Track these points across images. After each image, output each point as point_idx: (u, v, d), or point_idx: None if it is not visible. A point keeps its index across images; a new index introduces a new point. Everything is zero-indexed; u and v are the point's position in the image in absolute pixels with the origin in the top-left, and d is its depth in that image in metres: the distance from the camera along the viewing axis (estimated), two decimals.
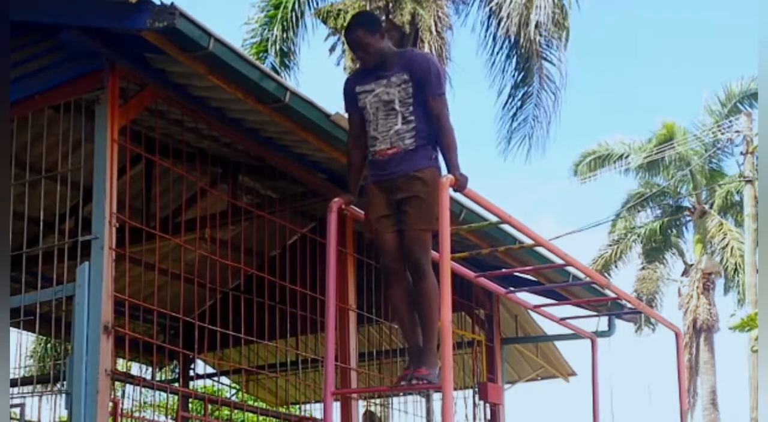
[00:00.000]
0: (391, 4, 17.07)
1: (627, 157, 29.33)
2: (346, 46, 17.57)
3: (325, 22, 17.90)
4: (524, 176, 70.40)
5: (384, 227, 5.36)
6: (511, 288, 7.53)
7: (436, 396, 9.18)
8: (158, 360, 10.52)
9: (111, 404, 6.12)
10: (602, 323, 10.18)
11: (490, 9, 17.38)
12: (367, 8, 17.15)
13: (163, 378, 11.49)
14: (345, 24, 5.63)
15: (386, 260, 5.38)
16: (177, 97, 6.38)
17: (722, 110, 27.93)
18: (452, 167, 5.23)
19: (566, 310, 9.79)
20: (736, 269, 26.96)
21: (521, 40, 16.68)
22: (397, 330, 5.70)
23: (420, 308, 5.30)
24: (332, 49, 18.45)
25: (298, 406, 10.36)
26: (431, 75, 5.32)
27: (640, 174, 29.43)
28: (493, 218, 6.29)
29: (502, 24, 16.84)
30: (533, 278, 9.36)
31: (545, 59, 17.40)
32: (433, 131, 5.33)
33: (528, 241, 6.35)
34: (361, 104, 5.45)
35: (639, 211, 30.11)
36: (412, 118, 5.30)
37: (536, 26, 16.50)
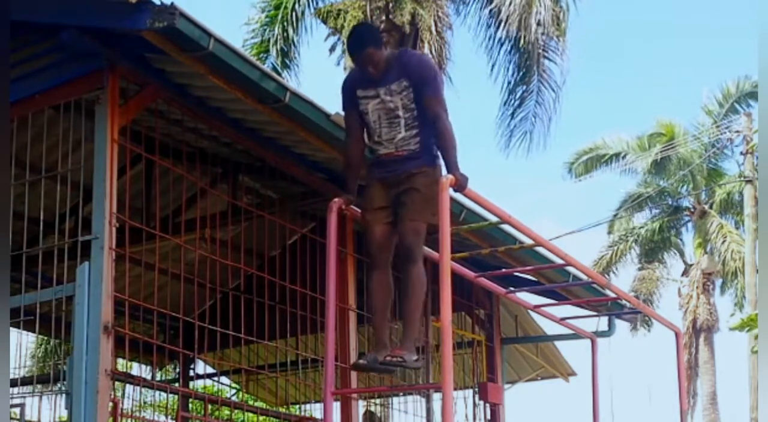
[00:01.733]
0: (391, 4, 17.07)
1: (625, 156, 29.32)
2: (346, 46, 17.59)
3: (325, 22, 17.90)
4: (523, 176, 70.35)
5: (377, 218, 5.44)
6: (511, 288, 7.53)
7: (436, 396, 9.19)
8: (158, 360, 10.52)
9: (111, 404, 6.11)
10: (602, 323, 10.19)
11: (491, 8, 17.38)
12: (367, 8, 17.19)
13: (163, 378, 11.49)
14: (347, 38, 5.68)
15: (373, 248, 5.47)
16: (177, 97, 6.38)
17: (720, 110, 27.94)
18: (452, 167, 5.25)
19: (566, 310, 9.80)
20: (734, 272, 26.96)
21: (522, 38, 16.68)
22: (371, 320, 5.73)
23: (405, 294, 5.34)
24: (332, 49, 18.46)
25: (298, 406, 10.36)
26: (427, 78, 5.36)
27: (647, 175, 29.33)
28: (493, 218, 6.29)
29: (503, 23, 16.84)
30: (533, 278, 9.36)
31: (546, 57, 17.41)
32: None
33: (528, 241, 6.35)
34: (362, 108, 5.48)
35: (638, 211, 30.11)
36: (415, 124, 5.36)
37: (538, 24, 16.50)
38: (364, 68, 5.41)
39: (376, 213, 5.45)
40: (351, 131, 5.63)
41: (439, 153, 5.43)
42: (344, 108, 5.65)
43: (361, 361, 5.47)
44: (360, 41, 5.46)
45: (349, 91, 5.55)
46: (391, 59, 5.43)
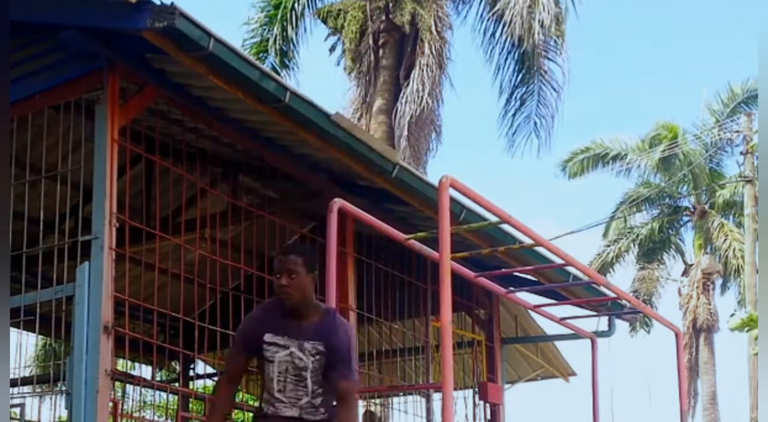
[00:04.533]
0: (391, 4, 17.09)
1: (624, 156, 29.31)
2: (345, 46, 17.62)
3: (325, 22, 17.93)
4: (520, 176, 70.37)
5: None
6: (511, 288, 7.52)
7: (436, 396, 9.19)
8: (158, 360, 10.52)
9: (111, 404, 6.11)
10: (602, 323, 10.18)
11: (494, 10, 17.40)
12: (367, 8, 17.21)
13: (163, 378, 11.49)
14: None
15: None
16: (177, 97, 6.39)
17: (724, 110, 27.94)
18: None
19: (566, 310, 9.78)
20: (737, 270, 26.97)
21: (524, 39, 16.69)
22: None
23: None
24: (332, 49, 18.49)
25: None
26: (347, 356, 4.72)
27: (650, 174, 29.33)
28: (493, 218, 6.28)
29: (506, 25, 16.85)
30: (533, 278, 9.36)
31: (546, 57, 17.42)
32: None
33: (528, 241, 6.34)
34: (267, 356, 4.73)
35: (637, 211, 30.10)
36: (320, 391, 4.71)
37: (540, 25, 16.52)
38: (276, 276, 4.64)
39: None
40: (233, 374, 4.94)
41: None
42: (239, 350, 4.89)
43: None
44: (292, 248, 4.85)
45: (254, 331, 4.76)
46: (312, 309, 4.73)
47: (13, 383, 8.99)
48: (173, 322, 9.54)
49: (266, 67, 11.94)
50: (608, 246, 29.98)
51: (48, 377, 9.04)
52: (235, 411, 8.85)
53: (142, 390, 8.67)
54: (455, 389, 5.37)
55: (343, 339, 4.72)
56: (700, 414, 28.08)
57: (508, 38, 17.10)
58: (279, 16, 17.71)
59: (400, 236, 5.86)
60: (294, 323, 4.69)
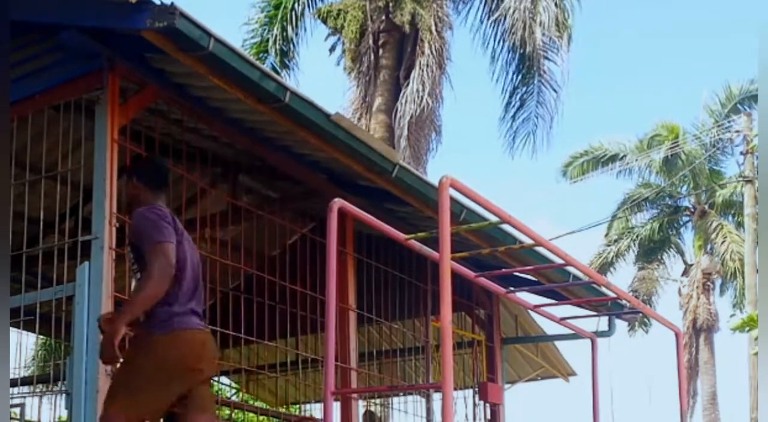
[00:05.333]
0: (391, 4, 17.09)
1: (623, 158, 29.32)
2: (345, 46, 17.65)
3: (325, 22, 17.94)
4: (519, 177, 70.35)
5: None
6: (511, 288, 7.51)
7: (436, 396, 9.20)
8: None
9: None
10: (602, 323, 10.18)
11: (491, 9, 17.42)
12: (367, 8, 17.22)
13: None
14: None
15: None
16: (177, 97, 6.39)
17: (722, 111, 27.95)
18: (120, 316, 4.53)
19: (566, 310, 9.79)
20: (734, 273, 26.97)
21: (525, 40, 16.70)
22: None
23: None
24: (332, 49, 18.49)
25: (298, 406, 10.35)
26: (140, 233, 4.67)
27: (652, 174, 29.34)
28: (493, 218, 6.28)
29: (506, 25, 16.87)
30: (533, 278, 9.36)
31: (546, 58, 17.43)
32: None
33: (528, 241, 6.33)
34: None
35: (637, 212, 30.14)
36: None
37: (541, 26, 16.54)
38: None
39: None
40: None
41: (170, 320, 4.66)
42: None
43: None
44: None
45: None
46: None
47: (13, 383, 8.98)
48: None
49: (266, 67, 11.95)
50: (608, 246, 29.99)
51: (48, 377, 9.04)
52: (235, 410, 8.83)
53: None
54: (455, 389, 5.37)
55: (133, 224, 4.70)
56: (700, 414, 28.10)
57: (509, 39, 17.12)
58: (279, 16, 17.72)
59: (400, 236, 5.85)
60: None
